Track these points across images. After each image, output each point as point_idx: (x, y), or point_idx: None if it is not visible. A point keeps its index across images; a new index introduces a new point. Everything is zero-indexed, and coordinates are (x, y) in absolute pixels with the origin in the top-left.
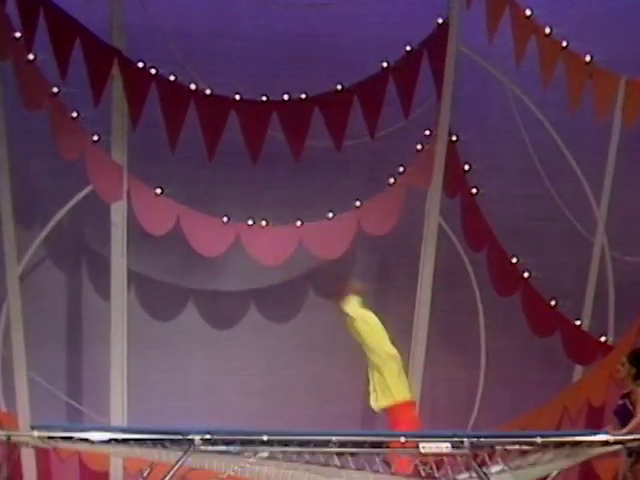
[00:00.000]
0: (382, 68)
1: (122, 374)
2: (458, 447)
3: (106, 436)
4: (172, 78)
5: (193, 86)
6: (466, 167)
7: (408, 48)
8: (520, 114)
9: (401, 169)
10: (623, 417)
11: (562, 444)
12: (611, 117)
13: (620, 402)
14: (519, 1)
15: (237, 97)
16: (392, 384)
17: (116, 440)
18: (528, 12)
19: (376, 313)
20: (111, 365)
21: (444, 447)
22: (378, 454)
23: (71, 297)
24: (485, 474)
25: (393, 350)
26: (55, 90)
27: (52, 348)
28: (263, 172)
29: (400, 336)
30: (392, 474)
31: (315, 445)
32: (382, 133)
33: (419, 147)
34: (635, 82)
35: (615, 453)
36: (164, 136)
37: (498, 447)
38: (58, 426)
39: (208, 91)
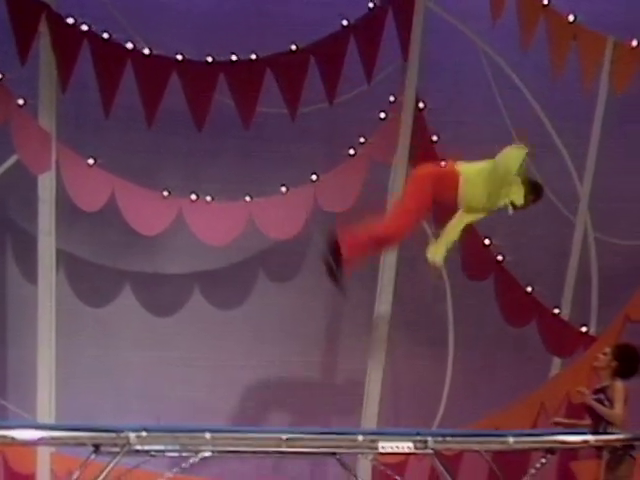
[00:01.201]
0: (342, 26)
1: (50, 366)
2: (421, 447)
3: (32, 434)
4: (106, 36)
5: (130, 45)
6: (434, 138)
7: (371, 5)
8: (495, 79)
9: (362, 139)
10: (597, 413)
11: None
12: (597, 83)
13: (594, 397)
14: None
15: (179, 57)
16: None
17: (43, 438)
18: None
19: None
20: (38, 356)
21: (406, 447)
22: (332, 453)
23: None
24: (452, 478)
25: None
26: None
27: None
28: (209, 141)
29: (360, 323)
30: None
31: (264, 445)
32: (342, 99)
33: (382, 115)
34: (624, 44)
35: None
36: (97, 100)
37: (466, 448)
38: None
39: (147, 50)
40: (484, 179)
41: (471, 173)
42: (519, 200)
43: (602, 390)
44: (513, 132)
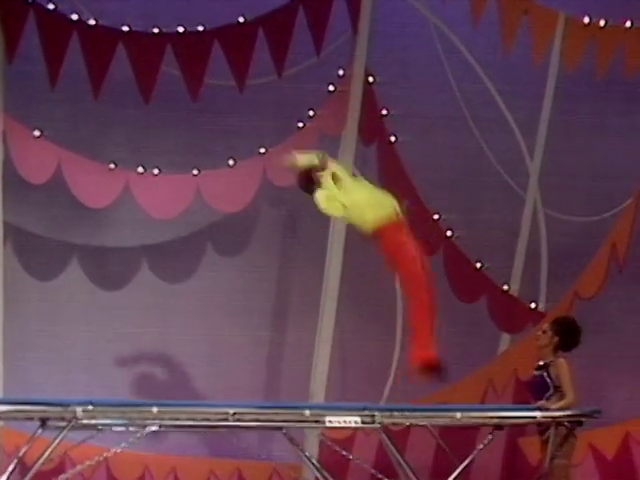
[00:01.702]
0: None
1: None
2: (369, 422)
3: None
4: (51, 7)
5: (75, 16)
6: (384, 112)
7: None
8: (446, 54)
9: (311, 112)
10: (539, 391)
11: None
12: (548, 59)
13: (536, 373)
14: None
15: (125, 28)
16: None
17: None
18: None
19: None
20: None
21: (353, 421)
22: (279, 428)
23: None
24: (399, 453)
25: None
26: None
27: None
28: (155, 113)
29: (307, 300)
30: None
31: (211, 419)
32: (290, 72)
33: (331, 88)
34: (575, 20)
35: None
36: (43, 71)
37: (413, 422)
38: None
39: (92, 21)
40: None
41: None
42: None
43: (545, 367)
44: (463, 107)
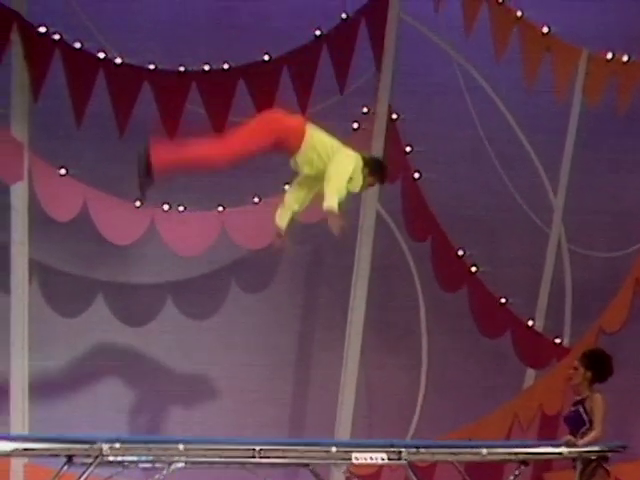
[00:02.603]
0: (315, 36)
1: (23, 376)
2: (395, 458)
3: (5, 445)
4: (78, 45)
5: (102, 54)
6: (407, 149)
7: (344, 15)
8: (469, 91)
9: None
10: (575, 425)
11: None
12: (571, 95)
13: (572, 409)
14: None
15: (151, 67)
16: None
17: (17, 450)
18: None
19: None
20: (11, 366)
21: (379, 458)
22: (305, 464)
23: None
24: None
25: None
26: None
27: None
28: None
29: (332, 335)
30: None
31: (237, 455)
32: (314, 109)
33: (355, 126)
34: (598, 56)
35: (566, 463)
36: (69, 109)
37: (439, 459)
38: None
39: (119, 60)
40: (323, 153)
41: (317, 140)
42: (357, 184)
43: (581, 402)
44: (486, 144)
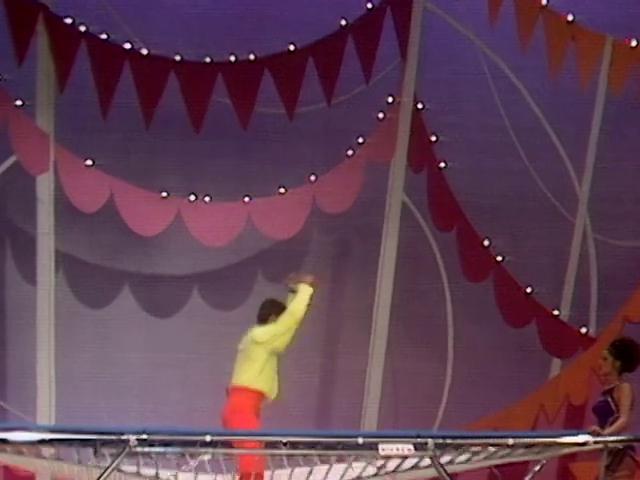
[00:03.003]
0: (340, 26)
1: (49, 368)
2: (422, 449)
3: (31, 436)
4: (104, 36)
5: (128, 45)
6: (433, 138)
7: (369, 5)
8: (494, 80)
9: (361, 140)
10: (603, 415)
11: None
12: (595, 83)
13: (601, 399)
14: None
15: (177, 58)
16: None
17: (42, 441)
18: None
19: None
20: (37, 357)
21: (406, 449)
22: (332, 456)
23: None
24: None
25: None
26: None
27: None
28: (207, 142)
29: (359, 325)
30: None
31: (264, 447)
32: (340, 99)
33: (381, 115)
34: (622, 44)
35: (593, 453)
36: (95, 101)
37: (465, 449)
38: None
39: (145, 51)
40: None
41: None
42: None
43: (609, 391)
44: (511, 133)
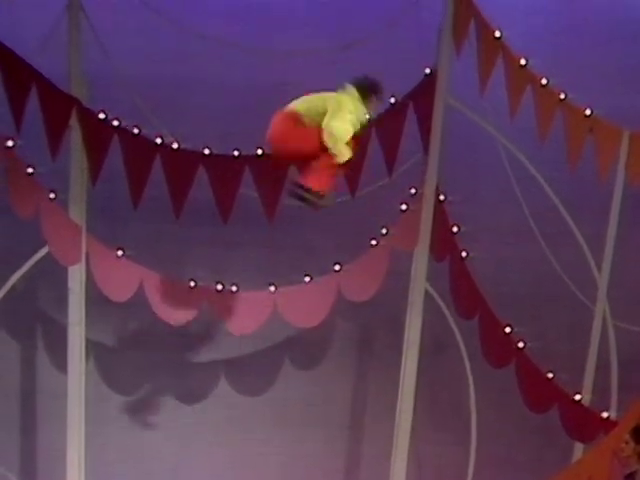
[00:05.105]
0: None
1: (79, 454)
2: None
3: None
4: (136, 131)
5: (159, 140)
6: (455, 229)
7: (392, 100)
8: (514, 172)
9: (384, 230)
10: None
11: None
12: (613, 174)
13: None
14: (513, 49)
15: (207, 151)
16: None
17: None
18: (523, 61)
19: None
20: (67, 444)
21: None
22: None
23: (24, 369)
24: None
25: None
26: (10, 144)
27: (3, 426)
28: (234, 232)
29: (383, 412)
30: None
31: None
32: (364, 191)
33: (404, 207)
34: (639, 136)
35: None
36: (126, 193)
37: None
38: None
39: (175, 145)
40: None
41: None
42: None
43: (631, 475)
44: (531, 222)
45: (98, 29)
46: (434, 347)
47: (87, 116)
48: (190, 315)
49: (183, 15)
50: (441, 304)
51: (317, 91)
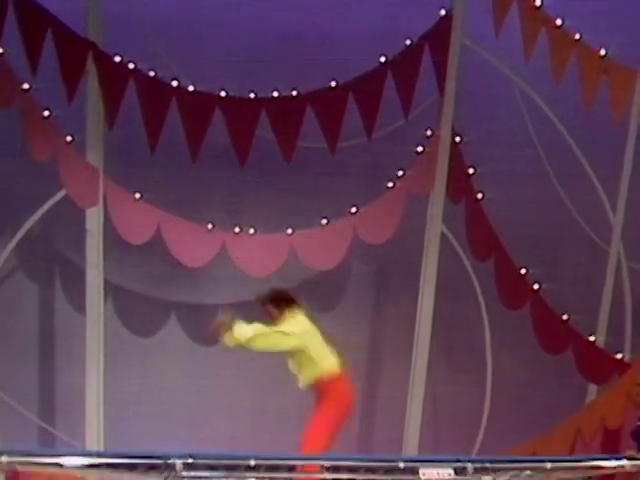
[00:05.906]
0: (380, 63)
1: (98, 394)
2: (461, 473)
3: (80, 461)
4: (152, 73)
5: (175, 82)
6: (470, 170)
7: (408, 42)
8: (529, 113)
9: (400, 172)
10: None
11: None
12: (628, 115)
13: (638, 423)
14: None
15: (223, 94)
16: (316, 356)
17: (91, 465)
18: (538, 2)
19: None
20: (86, 385)
21: (446, 473)
22: None
23: (43, 311)
24: None
25: (298, 328)
26: (26, 86)
27: (23, 366)
28: (251, 175)
29: (400, 353)
30: None
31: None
32: (380, 133)
33: (420, 149)
34: None
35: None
36: (143, 136)
37: (504, 472)
38: (28, 451)
39: (191, 87)
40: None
41: None
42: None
43: None
44: (546, 163)
45: None
46: (450, 290)
47: (103, 59)
48: (207, 257)
49: None
50: (457, 246)
51: None
